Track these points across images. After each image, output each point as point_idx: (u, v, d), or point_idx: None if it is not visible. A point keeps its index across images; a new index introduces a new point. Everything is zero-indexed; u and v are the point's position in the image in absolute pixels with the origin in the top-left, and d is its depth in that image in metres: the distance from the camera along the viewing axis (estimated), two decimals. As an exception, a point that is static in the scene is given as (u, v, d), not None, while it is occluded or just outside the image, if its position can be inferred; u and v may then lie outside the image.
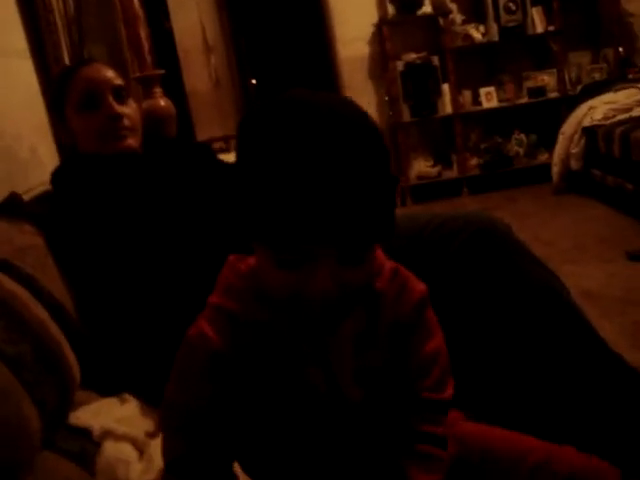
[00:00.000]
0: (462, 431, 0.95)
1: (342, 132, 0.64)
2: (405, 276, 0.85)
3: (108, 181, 1.47)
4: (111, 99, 1.55)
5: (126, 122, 1.56)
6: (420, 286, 0.85)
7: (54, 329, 1.20)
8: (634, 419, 1.24)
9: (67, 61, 2.51)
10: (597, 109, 4.46)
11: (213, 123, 5.30)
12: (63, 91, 1.56)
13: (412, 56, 5.13)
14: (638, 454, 1.23)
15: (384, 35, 5.11)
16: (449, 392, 0.85)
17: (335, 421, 0.81)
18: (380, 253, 0.84)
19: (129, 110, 1.59)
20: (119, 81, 1.59)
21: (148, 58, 3.42)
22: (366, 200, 0.66)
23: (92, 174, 1.49)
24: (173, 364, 0.81)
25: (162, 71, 3.33)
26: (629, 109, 4.30)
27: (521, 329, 1.26)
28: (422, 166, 5.32)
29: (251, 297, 0.78)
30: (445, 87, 5.15)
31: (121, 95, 1.58)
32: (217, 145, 4.52)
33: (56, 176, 1.55)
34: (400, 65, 5.12)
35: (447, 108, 5.19)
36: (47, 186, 1.61)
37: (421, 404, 0.83)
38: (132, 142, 1.56)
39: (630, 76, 4.88)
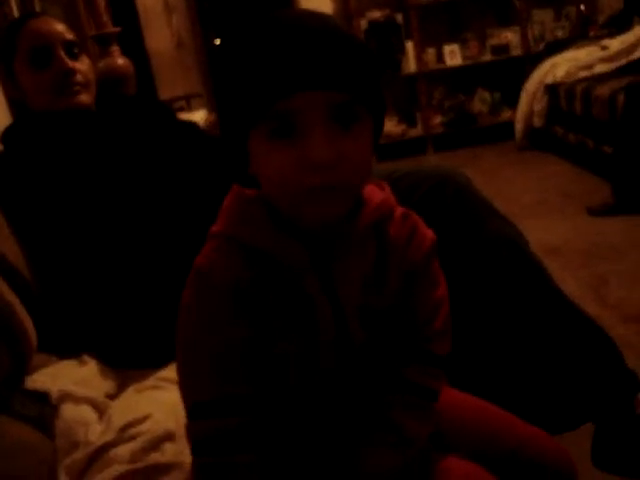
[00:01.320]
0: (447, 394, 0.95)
1: (318, 14, 0.74)
2: (415, 221, 0.85)
3: (60, 138, 1.43)
4: (62, 54, 1.50)
5: (79, 78, 1.51)
6: (430, 233, 0.86)
7: (6, 291, 1.17)
8: (589, 366, 1.26)
9: (17, 18, 2.43)
10: (559, 66, 4.48)
11: (176, 83, 5.23)
12: (11, 45, 1.50)
13: (376, 14, 5.07)
14: (592, 403, 1.26)
15: (347, -8, 5.04)
16: (448, 344, 0.85)
17: (341, 363, 0.80)
18: (391, 197, 0.84)
19: (82, 66, 1.53)
20: (70, 35, 1.53)
21: (104, 16, 3.33)
22: (345, 49, 0.69)
23: (44, 131, 1.44)
24: (182, 301, 0.76)
25: (118, 29, 3.25)
26: (590, 66, 4.31)
27: (480, 278, 1.27)
28: (387, 125, 5.28)
29: (261, 218, 0.76)
30: (409, 45, 5.12)
31: (73, 50, 1.52)
32: (178, 104, 4.45)
33: (7, 134, 1.49)
34: (364, 23, 5.06)
35: (411, 66, 5.16)
36: (-1, 146, 1.56)
37: (420, 355, 0.83)
38: (85, 98, 1.51)
39: (591, 34, 4.89)
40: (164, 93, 5.06)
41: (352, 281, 0.79)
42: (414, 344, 0.83)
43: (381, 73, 0.77)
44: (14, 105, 2.07)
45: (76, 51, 1.53)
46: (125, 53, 3.24)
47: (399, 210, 0.85)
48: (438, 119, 5.34)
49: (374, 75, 0.73)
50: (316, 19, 0.71)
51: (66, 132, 1.44)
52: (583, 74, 4.24)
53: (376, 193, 0.82)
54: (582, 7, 5.26)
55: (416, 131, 5.33)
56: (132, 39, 4.35)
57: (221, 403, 0.74)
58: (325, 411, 0.83)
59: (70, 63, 1.49)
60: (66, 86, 1.49)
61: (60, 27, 1.52)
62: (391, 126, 5.31)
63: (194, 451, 0.76)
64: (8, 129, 1.51)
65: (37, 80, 1.49)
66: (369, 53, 0.73)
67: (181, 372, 0.78)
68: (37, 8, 2.75)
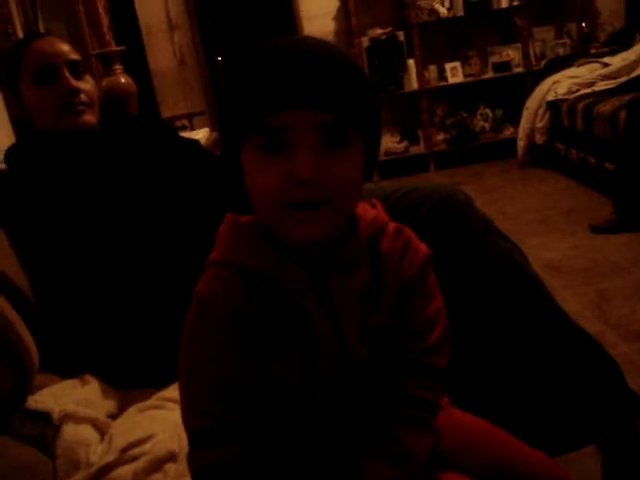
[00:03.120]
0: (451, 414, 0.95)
1: (321, 40, 0.75)
2: (409, 236, 0.86)
3: (64, 158, 1.43)
4: (67, 74, 1.51)
5: (83, 97, 1.52)
6: (423, 247, 0.86)
7: (9, 311, 1.17)
8: (589, 386, 1.25)
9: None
10: (561, 84, 4.48)
11: (179, 101, 5.25)
12: (16, 65, 1.51)
13: (377, 31, 5.09)
14: (593, 424, 1.25)
15: (350, 10, 5.06)
16: (446, 357, 0.85)
17: (343, 380, 0.81)
18: (383, 213, 0.85)
19: (86, 85, 1.55)
20: (75, 55, 1.55)
21: (107, 34, 3.34)
22: (339, 73, 0.71)
23: (48, 151, 1.45)
24: (184, 330, 0.77)
25: (122, 47, 3.26)
26: (592, 84, 4.32)
27: (481, 297, 1.26)
28: (389, 142, 5.30)
29: (256, 242, 0.78)
30: (411, 62, 5.12)
31: (77, 70, 1.53)
32: (180, 123, 4.46)
33: (10, 154, 1.50)
34: (365, 41, 5.08)
35: (413, 84, 5.17)
36: (1, 165, 1.56)
37: (418, 368, 0.83)
38: (89, 118, 1.52)
39: (593, 51, 4.90)
40: (166, 111, 5.08)
41: (349, 298, 0.80)
42: (411, 357, 0.83)
43: (378, 103, 0.78)
44: (18, 124, 2.08)
45: (80, 70, 1.54)
46: (128, 71, 3.26)
47: (392, 225, 0.86)
48: (440, 136, 5.35)
49: (369, 102, 0.75)
50: (316, 44, 0.73)
51: (70, 152, 1.44)
52: (584, 91, 4.25)
53: (368, 210, 0.84)
54: (583, 25, 5.27)
55: (418, 148, 5.33)
56: (135, 57, 4.38)
57: (222, 431, 0.74)
58: (325, 425, 0.83)
59: (74, 83, 1.50)
60: (70, 105, 1.49)
61: (64, 47, 1.53)
62: (393, 143, 5.32)
63: None
64: (11, 148, 1.52)
65: (41, 99, 1.50)
66: (366, 82, 0.74)
67: (183, 400, 0.78)
68: (41, 27, 2.76)
